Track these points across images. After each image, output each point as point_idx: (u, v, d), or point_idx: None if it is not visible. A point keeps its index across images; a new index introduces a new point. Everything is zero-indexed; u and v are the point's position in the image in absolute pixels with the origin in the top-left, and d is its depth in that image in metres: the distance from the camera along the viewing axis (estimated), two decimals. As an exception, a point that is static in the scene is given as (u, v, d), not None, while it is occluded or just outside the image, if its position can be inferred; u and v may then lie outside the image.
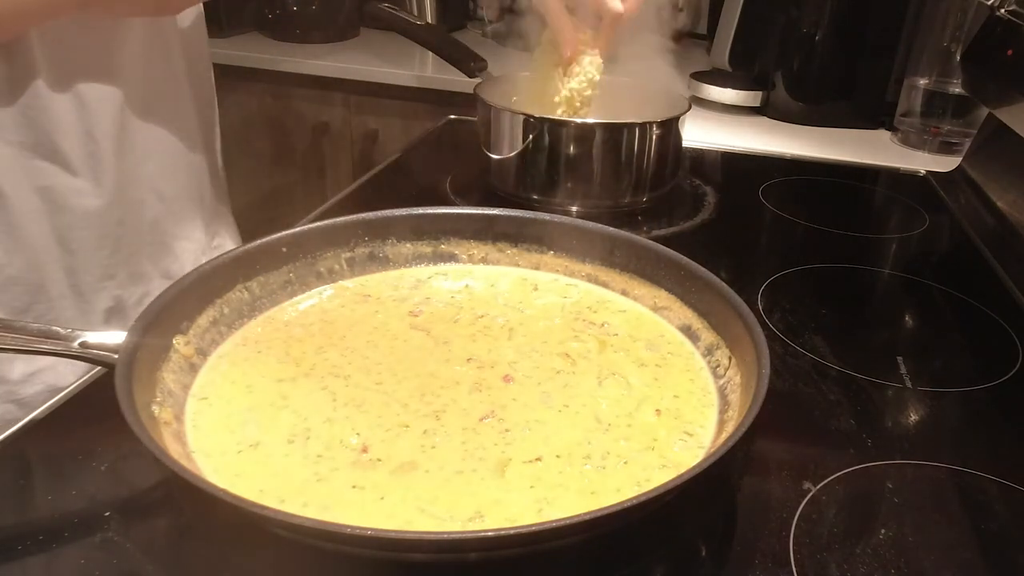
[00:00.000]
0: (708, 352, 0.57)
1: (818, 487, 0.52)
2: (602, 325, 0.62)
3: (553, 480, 0.46)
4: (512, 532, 0.38)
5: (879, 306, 0.82)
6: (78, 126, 0.65)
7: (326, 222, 0.65)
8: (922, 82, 1.25)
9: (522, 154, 0.91)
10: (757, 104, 1.37)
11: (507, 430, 0.50)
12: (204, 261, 0.59)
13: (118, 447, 0.50)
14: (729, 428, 0.47)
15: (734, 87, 1.36)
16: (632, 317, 0.63)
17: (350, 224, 0.65)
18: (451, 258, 0.69)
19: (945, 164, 1.15)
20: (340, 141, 1.70)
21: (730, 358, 0.54)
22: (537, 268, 0.68)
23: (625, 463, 0.47)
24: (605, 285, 0.66)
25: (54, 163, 0.65)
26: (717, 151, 1.20)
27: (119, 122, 0.69)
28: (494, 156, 0.95)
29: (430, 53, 1.09)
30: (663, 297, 0.63)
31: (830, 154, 1.20)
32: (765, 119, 1.37)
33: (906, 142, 1.28)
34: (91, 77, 0.66)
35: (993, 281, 0.84)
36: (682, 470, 0.46)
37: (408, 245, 0.67)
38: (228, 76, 1.55)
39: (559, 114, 0.90)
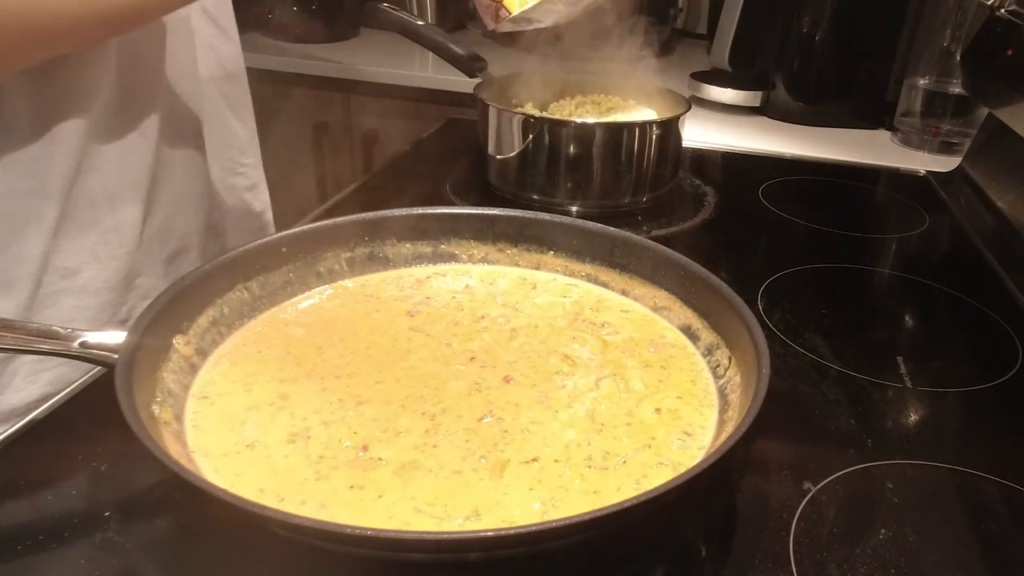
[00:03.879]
0: (708, 352, 0.57)
1: (818, 487, 0.52)
2: (602, 325, 0.62)
3: (552, 481, 0.46)
4: (513, 532, 0.38)
5: (879, 306, 0.82)
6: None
7: (326, 222, 0.65)
8: (922, 82, 1.25)
9: (522, 154, 0.91)
10: (757, 104, 1.37)
11: (506, 431, 0.49)
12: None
13: (118, 447, 0.50)
14: (729, 428, 0.47)
15: (734, 87, 1.36)
16: (632, 317, 0.63)
17: (350, 224, 0.65)
18: (451, 258, 0.69)
19: (945, 164, 1.15)
20: (340, 141, 1.70)
21: (730, 358, 0.54)
22: (537, 268, 0.68)
23: (624, 463, 0.47)
24: (605, 285, 0.66)
25: None
26: (717, 151, 1.20)
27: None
28: (494, 156, 0.95)
29: (430, 53, 1.09)
30: (663, 297, 0.63)
31: (830, 154, 1.20)
32: (765, 119, 1.37)
33: (906, 142, 1.28)
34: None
35: (993, 281, 0.84)
36: (680, 469, 0.46)
37: (408, 245, 0.67)
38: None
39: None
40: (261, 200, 0.95)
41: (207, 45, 0.82)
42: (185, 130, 0.77)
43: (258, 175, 0.94)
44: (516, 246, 0.68)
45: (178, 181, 0.76)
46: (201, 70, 0.80)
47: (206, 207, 0.82)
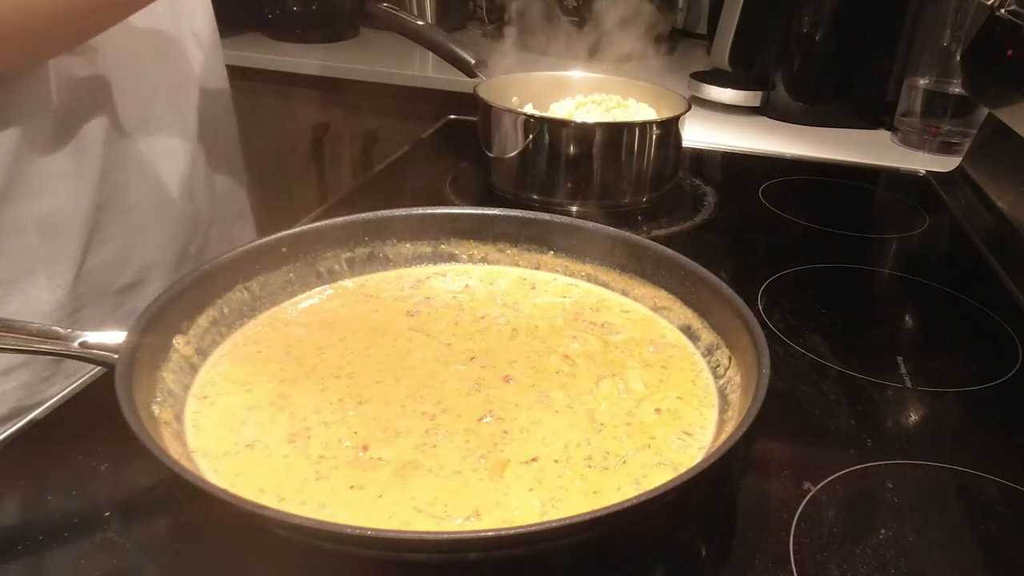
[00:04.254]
0: (708, 352, 0.57)
1: (818, 487, 0.52)
2: (603, 325, 0.62)
3: (552, 481, 0.46)
4: (513, 532, 0.38)
5: (879, 306, 0.82)
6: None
7: (326, 222, 0.65)
8: (922, 82, 1.25)
9: (522, 154, 0.91)
10: (757, 104, 1.37)
11: (506, 431, 0.49)
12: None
13: (118, 447, 0.50)
14: (729, 428, 0.47)
15: (734, 87, 1.36)
16: (632, 317, 0.63)
17: (350, 224, 0.65)
18: (451, 258, 0.69)
19: (945, 164, 1.15)
20: (340, 141, 1.70)
21: (730, 358, 0.54)
22: (537, 268, 0.68)
23: (624, 463, 0.47)
24: (605, 285, 0.66)
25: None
26: (717, 151, 1.20)
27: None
28: (494, 156, 0.95)
29: (430, 53, 1.09)
30: (663, 297, 0.63)
31: (830, 154, 1.20)
32: (765, 119, 1.37)
33: (906, 142, 1.28)
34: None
35: (993, 281, 0.84)
36: (680, 469, 0.46)
37: (408, 245, 0.67)
38: (228, 76, 1.55)
39: None
40: (248, 230, 0.93)
41: (194, 69, 0.80)
42: (149, 158, 0.74)
43: (242, 202, 0.92)
44: (516, 246, 0.68)
45: (136, 212, 0.73)
46: (185, 95, 0.78)
47: (180, 237, 0.79)
